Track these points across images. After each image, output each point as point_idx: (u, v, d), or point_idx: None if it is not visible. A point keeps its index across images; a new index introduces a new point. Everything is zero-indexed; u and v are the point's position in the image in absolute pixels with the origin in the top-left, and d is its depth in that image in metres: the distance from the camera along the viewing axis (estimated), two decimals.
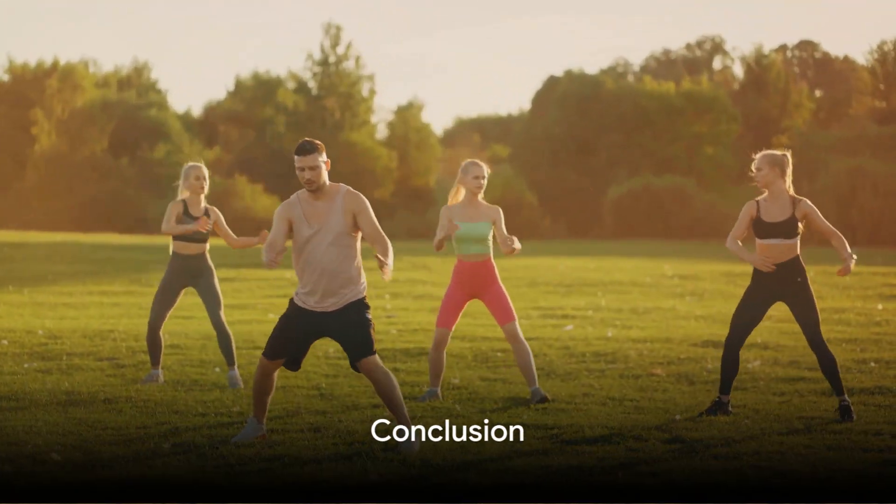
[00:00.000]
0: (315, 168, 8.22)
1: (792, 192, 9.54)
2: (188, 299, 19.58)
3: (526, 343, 10.61)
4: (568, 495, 6.96)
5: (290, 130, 65.18)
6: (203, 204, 11.34)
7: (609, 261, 32.49)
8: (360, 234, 8.35)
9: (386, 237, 8.28)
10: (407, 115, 70.09)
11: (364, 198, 8.36)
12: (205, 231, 11.21)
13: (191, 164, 11.42)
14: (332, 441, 8.37)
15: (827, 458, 7.81)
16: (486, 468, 7.59)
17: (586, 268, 28.88)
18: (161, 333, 11.35)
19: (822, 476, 7.33)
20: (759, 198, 9.54)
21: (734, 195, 56.60)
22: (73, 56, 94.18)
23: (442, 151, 72.75)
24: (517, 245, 10.23)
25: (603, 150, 64.38)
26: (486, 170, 10.70)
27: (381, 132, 70.40)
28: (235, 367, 11.28)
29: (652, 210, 57.15)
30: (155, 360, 11.32)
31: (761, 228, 9.45)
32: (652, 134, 64.04)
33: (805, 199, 9.49)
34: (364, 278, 8.43)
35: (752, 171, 9.53)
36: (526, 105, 79.29)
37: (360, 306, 8.32)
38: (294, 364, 8.48)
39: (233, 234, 11.44)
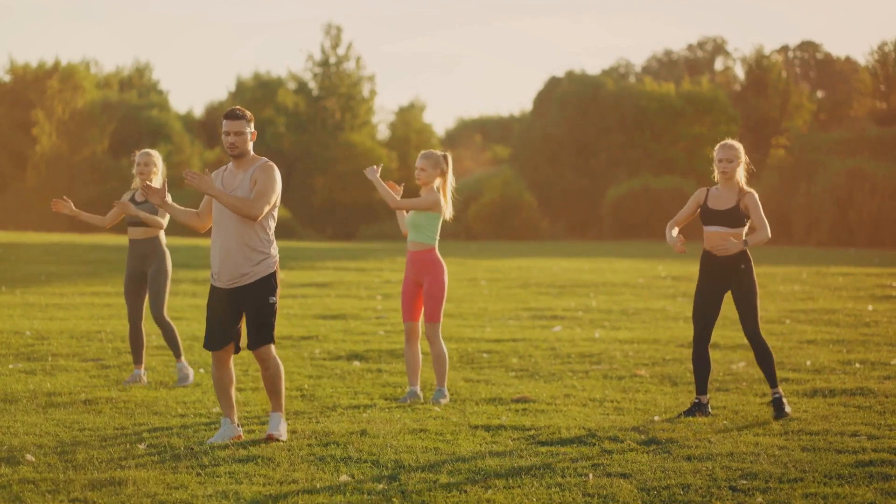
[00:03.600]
0: (240, 134, 8.33)
1: (744, 183, 9.67)
2: (176, 301, 19.61)
3: (443, 347, 10.59)
4: (537, 496, 6.97)
5: (290, 131, 65.27)
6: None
7: (604, 262, 32.49)
8: (272, 208, 8.40)
9: (256, 201, 8.22)
10: (408, 115, 70.14)
11: (275, 172, 8.37)
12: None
13: (139, 151, 11.45)
14: (307, 441, 8.40)
15: (800, 460, 7.82)
16: (457, 468, 7.61)
17: (580, 269, 28.89)
18: (143, 329, 11.37)
19: (792, 477, 7.34)
20: (711, 187, 9.75)
21: None
22: (75, 56, 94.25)
23: (443, 152, 72.71)
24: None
25: (603, 151, 64.39)
26: (430, 161, 10.63)
27: (383, 133, 70.45)
28: (182, 358, 11.35)
29: (651, 211, 57.14)
30: (137, 359, 11.32)
31: (706, 215, 9.64)
32: (652, 135, 64.07)
33: (752, 191, 9.62)
34: (275, 252, 8.45)
35: (718, 158, 9.64)
36: (528, 106, 79.29)
37: (268, 286, 8.37)
38: (236, 347, 8.53)
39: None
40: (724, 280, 9.62)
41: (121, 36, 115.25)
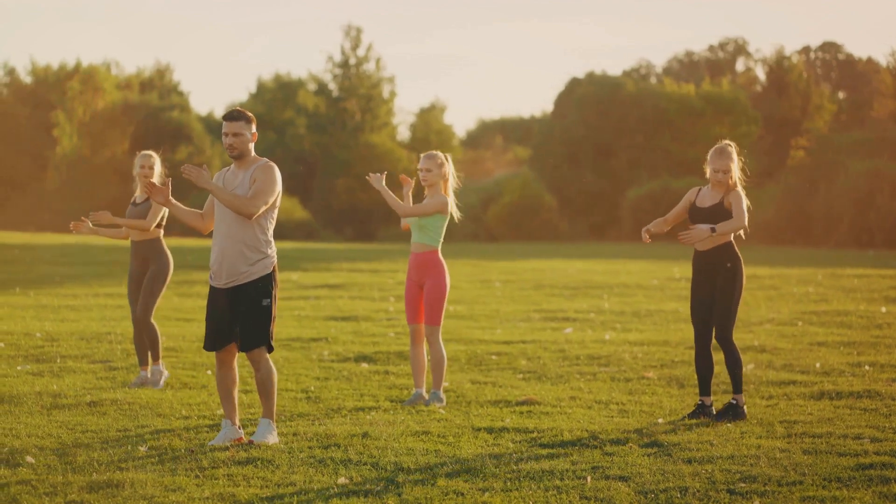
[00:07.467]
0: (239, 135, 8.36)
1: (734, 181, 9.66)
2: (187, 302, 19.66)
3: (443, 350, 10.54)
4: (534, 498, 6.96)
5: (310, 132, 65.33)
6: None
7: (618, 263, 32.39)
8: (271, 208, 8.39)
9: (254, 199, 8.21)
10: (429, 116, 70.15)
11: (275, 171, 8.36)
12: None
13: (140, 153, 11.51)
14: (308, 444, 8.40)
15: (800, 463, 7.79)
16: (456, 471, 7.61)
17: (594, 270, 28.82)
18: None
19: (791, 480, 7.31)
20: (703, 186, 9.79)
21: (753, 197, 56.27)
22: (95, 58, 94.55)
23: (464, 153, 72.71)
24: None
25: (622, 152, 64.26)
26: (435, 161, 10.56)
27: (403, 134, 70.47)
28: (160, 361, 11.33)
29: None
30: (143, 361, 11.33)
31: (693, 214, 9.65)
32: (671, 136, 63.88)
33: (738, 189, 9.61)
34: (273, 253, 8.43)
35: (713, 168, 9.61)
36: (549, 107, 79.17)
37: (264, 287, 8.34)
38: (239, 347, 8.51)
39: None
40: (713, 278, 9.59)
41: (142, 37, 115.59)
